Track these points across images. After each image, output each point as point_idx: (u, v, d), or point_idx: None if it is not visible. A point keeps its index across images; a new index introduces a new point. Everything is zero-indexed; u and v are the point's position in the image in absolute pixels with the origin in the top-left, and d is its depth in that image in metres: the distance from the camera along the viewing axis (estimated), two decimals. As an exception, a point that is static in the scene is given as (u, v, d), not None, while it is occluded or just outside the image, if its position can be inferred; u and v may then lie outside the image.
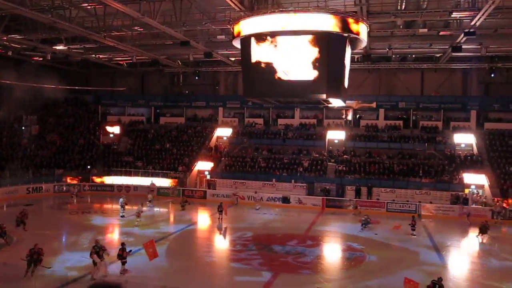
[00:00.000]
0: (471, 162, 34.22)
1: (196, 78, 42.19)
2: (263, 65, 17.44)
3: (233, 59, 36.10)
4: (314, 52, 16.92)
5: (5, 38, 30.51)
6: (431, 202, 30.84)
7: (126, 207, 27.10)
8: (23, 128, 40.96)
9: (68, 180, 36.48)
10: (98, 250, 15.76)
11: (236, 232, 24.18)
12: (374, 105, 40.28)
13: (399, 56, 35.89)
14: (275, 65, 17.22)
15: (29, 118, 41.74)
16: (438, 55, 34.45)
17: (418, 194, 32.01)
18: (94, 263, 15.54)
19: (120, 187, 36.30)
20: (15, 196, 32.18)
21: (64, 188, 35.47)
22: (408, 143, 37.43)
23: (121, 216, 26.55)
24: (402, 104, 40.33)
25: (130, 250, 16.57)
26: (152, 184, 35.78)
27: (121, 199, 27.32)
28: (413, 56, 35.75)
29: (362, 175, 34.80)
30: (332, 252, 22.27)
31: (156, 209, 30.14)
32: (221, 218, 26.24)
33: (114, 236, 23.45)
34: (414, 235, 23.88)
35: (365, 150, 37.55)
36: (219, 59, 35.86)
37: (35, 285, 13.92)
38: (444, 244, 22.64)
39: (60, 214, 28.52)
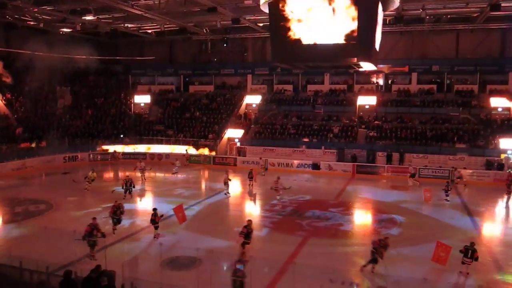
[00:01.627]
0: (508, 126, 33.08)
1: (224, 45, 41.87)
2: (291, 29, 17.09)
3: (261, 24, 35.52)
4: (344, 14, 16.43)
5: (35, 10, 30.93)
6: (465, 168, 30.18)
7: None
8: (57, 99, 41.93)
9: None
10: (250, 231, 14.72)
11: (266, 198, 24.41)
12: (406, 69, 39.15)
13: (433, 17, 34.42)
14: (304, 29, 16.87)
15: (62, 89, 42.64)
16: (474, 15, 32.86)
17: (452, 160, 31.35)
18: (243, 244, 14.45)
19: (152, 155, 37.10)
20: (53, 165, 33.38)
21: (99, 157, 36.56)
22: (442, 107, 36.40)
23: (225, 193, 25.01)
24: (435, 68, 39.03)
25: (162, 215, 17.04)
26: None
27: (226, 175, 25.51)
28: (448, 16, 34.25)
29: (394, 141, 34.27)
30: (361, 218, 22.28)
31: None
32: (252, 185, 26.54)
33: (146, 202, 24.05)
34: (448, 200, 23.56)
35: (397, 115, 36.81)
36: (247, 25, 35.37)
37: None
38: (478, 210, 22.27)
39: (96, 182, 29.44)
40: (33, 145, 34.60)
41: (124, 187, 23.01)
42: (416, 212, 21.89)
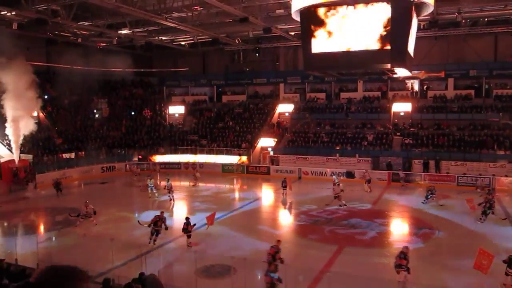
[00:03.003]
0: (552, 131, 31.77)
1: (256, 55, 42.13)
2: (324, 36, 17.03)
3: (292, 33, 35.58)
4: (377, 20, 16.25)
5: (74, 26, 32.07)
6: (506, 176, 29.11)
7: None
8: (95, 111, 43.25)
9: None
10: (406, 258, 13.00)
11: (301, 206, 24.25)
12: (442, 74, 38.23)
13: (469, 20, 33.52)
14: (337, 36, 16.78)
15: (99, 102, 43.93)
16: (514, 17, 31.87)
17: (492, 167, 30.27)
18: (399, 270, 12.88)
19: (186, 164, 37.53)
20: (91, 175, 34.34)
21: (136, 167, 37.22)
22: (481, 113, 35.26)
23: None
24: (473, 72, 37.92)
25: (194, 224, 17.15)
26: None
27: None
28: (486, 19, 33.33)
29: (430, 148, 33.45)
30: (398, 227, 21.78)
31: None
32: (285, 193, 26.44)
33: (179, 211, 24.33)
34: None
35: (433, 122, 35.94)
36: (278, 34, 35.49)
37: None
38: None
39: (133, 191, 30.10)
40: (73, 156, 35.72)
41: (152, 227, 17.16)
42: (454, 222, 21.18)
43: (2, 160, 30.20)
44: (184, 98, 47.12)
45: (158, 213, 17.87)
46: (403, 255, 13.16)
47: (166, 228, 17.51)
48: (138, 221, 18.28)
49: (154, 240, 16.85)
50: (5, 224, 21.45)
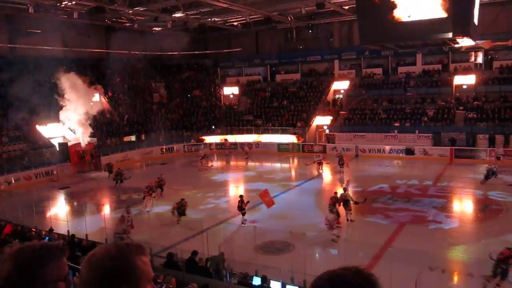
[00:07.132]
0: None
1: (309, 32, 41.40)
2: (381, 7, 16.39)
3: (347, 7, 34.58)
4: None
5: (130, 11, 32.95)
6: None
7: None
8: (153, 94, 44.54)
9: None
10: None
11: (359, 184, 23.88)
12: (509, 43, 35.67)
13: (540, -17, 31.10)
14: (394, 5, 16.10)
15: (157, 85, 45.15)
16: None
17: None
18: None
19: (242, 144, 37.93)
20: (151, 156, 35.63)
21: (193, 148, 38.17)
22: (554, 83, 32.89)
23: None
24: (545, 39, 35.25)
25: (248, 201, 17.31)
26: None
27: None
28: (559, -19, 30.75)
29: (496, 122, 31.67)
30: (462, 204, 20.95)
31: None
32: (343, 171, 26.12)
33: (237, 190, 24.71)
34: None
35: (500, 95, 33.87)
36: (332, 9, 34.64)
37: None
38: None
39: (191, 171, 30.89)
40: (134, 138, 37.16)
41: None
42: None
43: (70, 143, 31.90)
44: (238, 78, 47.37)
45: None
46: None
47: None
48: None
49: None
50: (75, 203, 22.77)
